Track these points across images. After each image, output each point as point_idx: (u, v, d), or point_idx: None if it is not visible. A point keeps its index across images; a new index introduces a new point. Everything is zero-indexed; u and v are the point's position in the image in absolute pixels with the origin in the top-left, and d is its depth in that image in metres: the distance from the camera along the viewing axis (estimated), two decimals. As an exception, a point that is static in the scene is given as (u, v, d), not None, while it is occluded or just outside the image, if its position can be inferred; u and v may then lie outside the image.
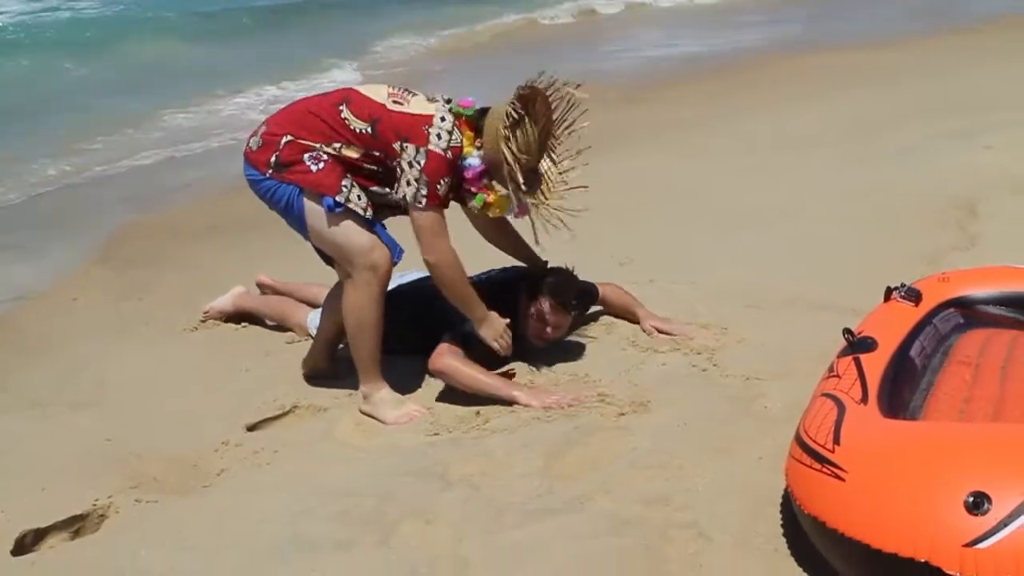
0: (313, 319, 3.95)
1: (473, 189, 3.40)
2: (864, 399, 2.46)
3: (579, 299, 3.75)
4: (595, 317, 4.04)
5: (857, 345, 2.72)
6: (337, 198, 3.29)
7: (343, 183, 3.31)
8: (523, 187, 3.35)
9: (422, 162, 3.27)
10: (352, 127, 3.33)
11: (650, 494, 2.73)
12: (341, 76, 10.93)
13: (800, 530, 2.38)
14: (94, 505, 2.86)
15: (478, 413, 3.32)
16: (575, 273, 3.76)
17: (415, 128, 3.29)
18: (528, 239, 3.64)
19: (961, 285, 3.22)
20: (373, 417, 3.41)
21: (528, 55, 11.91)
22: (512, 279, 3.75)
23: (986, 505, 1.98)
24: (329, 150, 3.32)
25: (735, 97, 9.04)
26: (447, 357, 3.45)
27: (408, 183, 3.28)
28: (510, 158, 3.29)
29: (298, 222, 3.39)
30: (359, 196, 3.34)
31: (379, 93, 3.39)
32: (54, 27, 14.85)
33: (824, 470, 2.25)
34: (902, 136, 7.00)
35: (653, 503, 2.69)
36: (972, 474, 2.05)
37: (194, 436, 3.34)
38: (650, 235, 5.24)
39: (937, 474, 2.10)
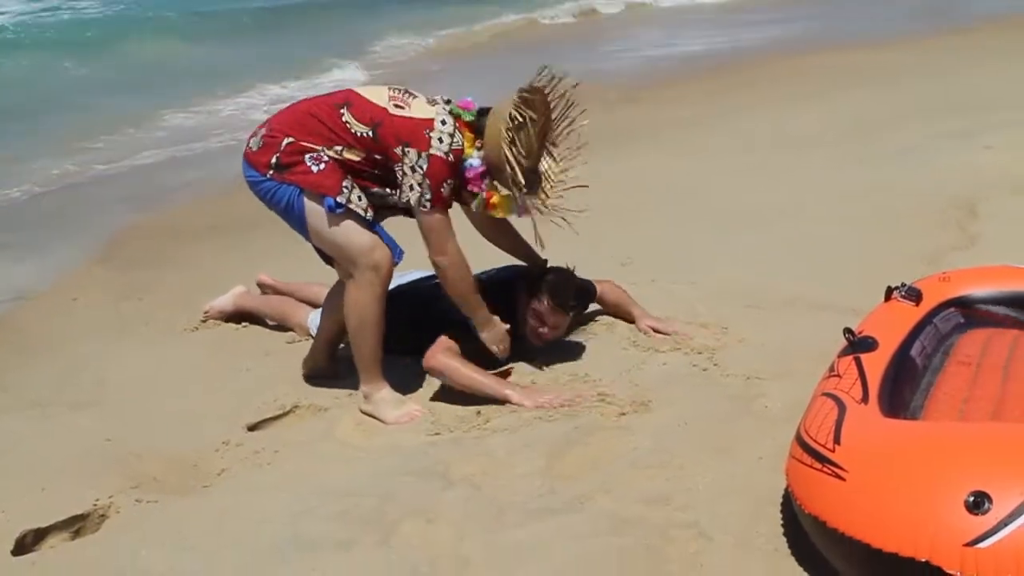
0: (314, 319, 3.95)
1: (475, 190, 3.40)
2: (865, 399, 2.46)
3: (578, 299, 3.75)
4: (596, 317, 4.04)
5: (858, 345, 2.73)
6: (338, 199, 3.29)
7: (344, 184, 3.31)
8: (524, 188, 3.36)
9: (424, 166, 3.27)
10: (353, 131, 3.33)
11: (651, 494, 2.74)
12: (342, 76, 10.94)
13: (801, 530, 2.38)
14: (94, 505, 2.86)
15: (479, 413, 3.32)
16: (575, 272, 3.76)
17: (416, 132, 3.29)
18: (529, 239, 3.64)
19: (962, 285, 3.22)
20: (374, 417, 3.41)
21: (528, 55, 11.88)
22: (512, 278, 3.75)
23: (987, 505, 1.98)
24: (331, 153, 3.32)
25: (735, 96, 9.04)
26: (442, 355, 3.46)
27: (412, 187, 3.28)
28: (512, 160, 3.30)
29: (298, 223, 3.39)
30: (359, 197, 3.34)
31: (380, 96, 3.39)
32: (55, 27, 14.87)
33: (825, 470, 2.25)
34: (902, 136, 7.00)
35: (654, 503, 2.69)
36: (972, 474, 2.05)
37: (194, 436, 3.34)
38: (650, 235, 5.24)
39: (938, 474, 2.10)
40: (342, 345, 3.74)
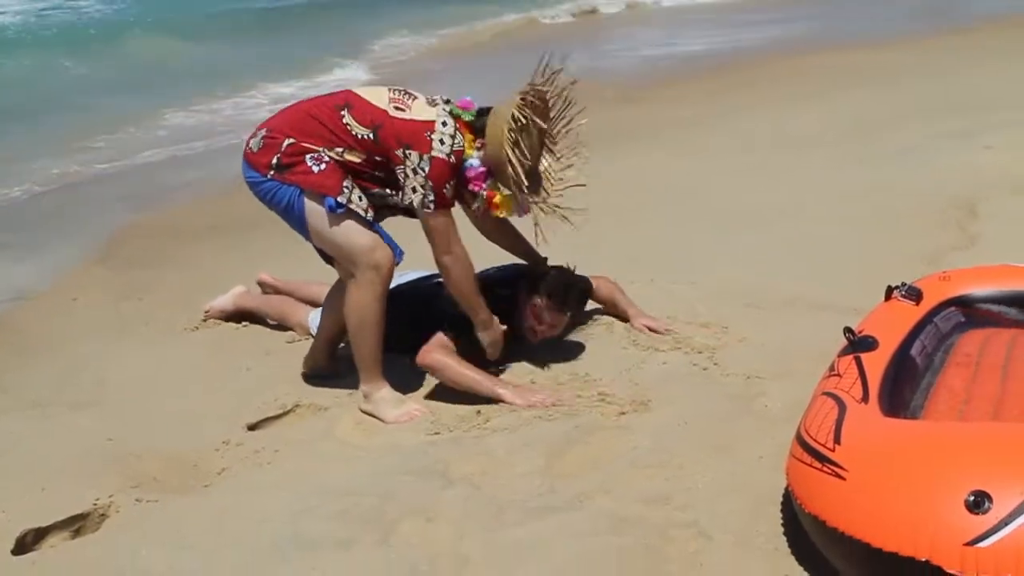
0: (314, 318, 3.95)
1: (476, 189, 3.41)
2: (865, 398, 2.46)
3: (576, 299, 3.75)
4: (596, 317, 4.04)
5: (858, 344, 2.73)
6: (339, 199, 3.29)
7: (344, 184, 3.32)
8: (526, 188, 3.36)
9: (427, 168, 3.27)
10: (354, 133, 3.33)
11: (651, 493, 2.74)
12: (344, 75, 10.95)
13: (801, 529, 2.38)
14: (94, 505, 2.86)
15: (479, 412, 3.32)
16: (574, 271, 3.77)
17: (418, 135, 3.29)
18: (530, 238, 3.65)
19: (962, 284, 3.23)
20: (374, 416, 3.41)
21: (528, 54, 11.84)
22: (512, 276, 3.76)
23: (987, 504, 1.98)
24: (331, 154, 3.32)
25: (735, 96, 9.05)
26: (436, 351, 3.47)
27: (414, 189, 3.29)
28: (515, 161, 3.30)
29: (299, 223, 3.39)
30: (360, 197, 3.34)
31: (380, 98, 3.39)
32: (55, 26, 14.87)
33: (825, 469, 2.25)
34: (902, 136, 7.00)
35: (654, 502, 2.69)
36: (973, 473, 2.05)
37: (194, 435, 3.34)
38: (650, 235, 5.24)
39: (938, 473, 2.10)
40: (342, 344, 3.74)
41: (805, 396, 2.67)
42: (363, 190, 3.36)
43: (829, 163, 6.50)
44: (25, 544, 2.70)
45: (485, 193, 3.40)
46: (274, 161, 3.33)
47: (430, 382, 3.57)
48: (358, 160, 3.34)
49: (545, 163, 3.51)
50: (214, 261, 5.28)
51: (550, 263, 3.77)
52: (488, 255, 3.83)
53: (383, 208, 3.43)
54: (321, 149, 3.32)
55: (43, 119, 8.73)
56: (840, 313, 3.51)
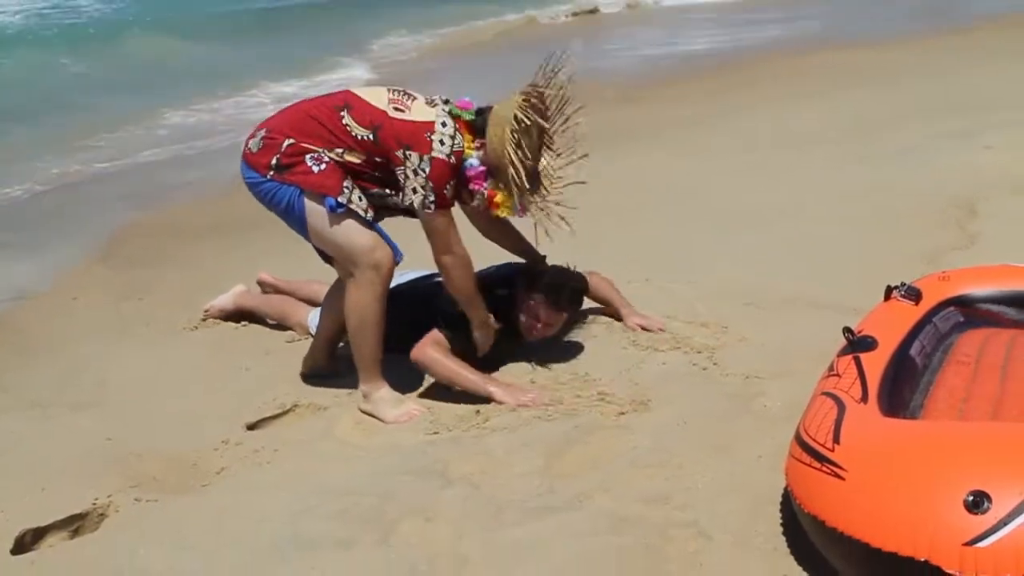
0: (313, 318, 3.95)
1: (476, 189, 3.41)
2: (864, 398, 2.46)
3: (573, 299, 3.75)
4: (595, 317, 4.04)
5: (857, 344, 2.73)
6: (339, 199, 3.29)
7: (344, 184, 3.32)
8: (527, 188, 3.36)
9: (427, 169, 3.27)
10: (354, 134, 3.33)
11: (650, 493, 2.74)
12: (346, 74, 10.96)
13: (800, 529, 2.38)
14: (93, 504, 2.86)
15: (478, 412, 3.32)
16: (572, 269, 3.77)
17: (417, 136, 3.29)
18: (530, 238, 3.65)
19: (961, 284, 3.23)
20: (373, 416, 3.41)
21: (528, 54, 11.87)
22: (511, 275, 3.77)
23: (986, 504, 1.98)
24: (331, 155, 3.32)
25: (735, 96, 9.05)
26: (430, 348, 3.49)
27: (415, 190, 3.29)
28: (517, 163, 3.30)
29: (299, 223, 3.39)
30: (360, 197, 3.34)
31: (379, 98, 3.39)
32: (55, 26, 14.87)
33: (824, 469, 2.25)
34: (902, 136, 7.00)
35: (653, 502, 2.69)
36: (972, 473, 2.05)
37: (194, 435, 3.34)
38: (650, 234, 5.24)
39: (937, 473, 2.10)
40: (341, 344, 3.74)
41: (804, 396, 2.67)
42: (363, 190, 3.36)
43: (829, 163, 6.50)
44: (24, 544, 2.71)
45: (486, 192, 3.40)
46: (274, 161, 3.33)
47: (429, 382, 3.57)
48: (358, 161, 3.34)
49: (544, 161, 3.51)
50: (214, 261, 5.28)
51: (549, 262, 3.77)
52: (487, 254, 3.83)
53: (382, 208, 3.43)
54: (321, 150, 3.32)
55: (43, 118, 8.73)
56: (840, 313, 3.51)
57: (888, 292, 3.10)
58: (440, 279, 3.51)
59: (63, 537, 2.77)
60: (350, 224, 3.33)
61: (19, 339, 4.39)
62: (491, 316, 3.54)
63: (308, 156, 3.31)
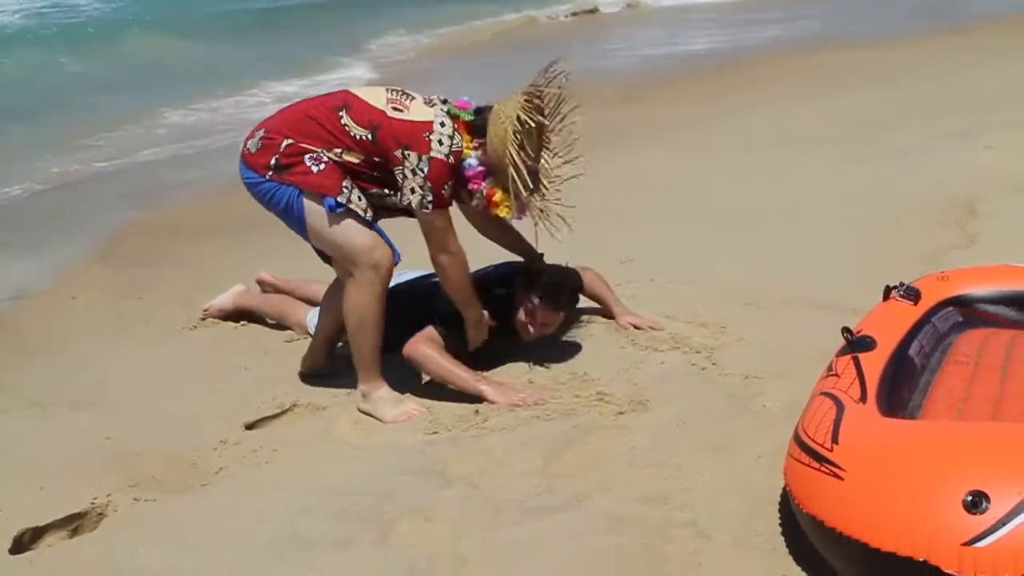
0: (312, 318, 3.95)
1: (475, 188, 3.41)
2: (863, 398, 2.46)
3: (570, 298, 3.75)
4: (594, 317, 4.04)
5: (856, 344, 2.72)
6: (338, 199, 3.29)
7: (344, 184, 3.31)
8: (530, 188, 3.36)
9: (425, 169, 3.27)
10: (352, 133, 3.33)
11: (649, 493, 2.73)
12: (347, 74, 10.96)
13: (799, 529, 2.38)
14: (92, 504, 2.86)
15: (477, 412, 3.32)
16: (570, 266, 3.77)
17: (416, 135, 3.29)
18: (530, 238, 3.65)
19: (960, 284, 3.23)
20: (372, 416, 3.41)
21: (528, 53, 11.89)
22: (508, 274, 3.77)
23: (984, 504, 1.98)
24: (330, 155, 3.32)
25: (735, 95, 9.05)
26: (422, 344, 3.50)
27: (413, 190, 3.29)
28: (520, 164, 3.30)
29: (298, 223, 3.39)
30: (359, 197, 3.34)
31: (378, 98, 3.39)
32: (54, 25, 14.86)
33: (823, 469, 2.25)
34: (902, 135, 7.00)
35: (652, 502, 2.69)
36: (971, 473, 2.05)
37: (193, 435, 3.34)
38: (650, 234, 5.24)
39: (936, 473, 2.10)
40: (340, 344, 3.74)
41: (803, 396, 2.67)
42: (362, 190, 3.36)
43: (829, 163, 6.50)
44: (23, 543, 2.70)
45: (485, 191, 3.40)
46: (272, 162, 3.32)
47: (428, 381, 3.57)
48: (356, 161, 3.34)
49: (542, 161, 3.51)
50: (214, 260, 5.28)
51: (547, 260, 3.77)
52: (486, 253, 3.83)
53: (381, 208, 3.43)
54: (320, 150, 3.32)
55: (43, 118, 8.73)
56: (839, 313, 3.51)
57: (887, 292, 3.10)
58: (439, 279, 3.51)
59: (62, 537, 2.77)
60: (349, 224, 3.32)
61: (18, 338, 4.39)
62: (486, 315, 3.56)
63: (307, 156, 3.31)
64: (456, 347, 3.55)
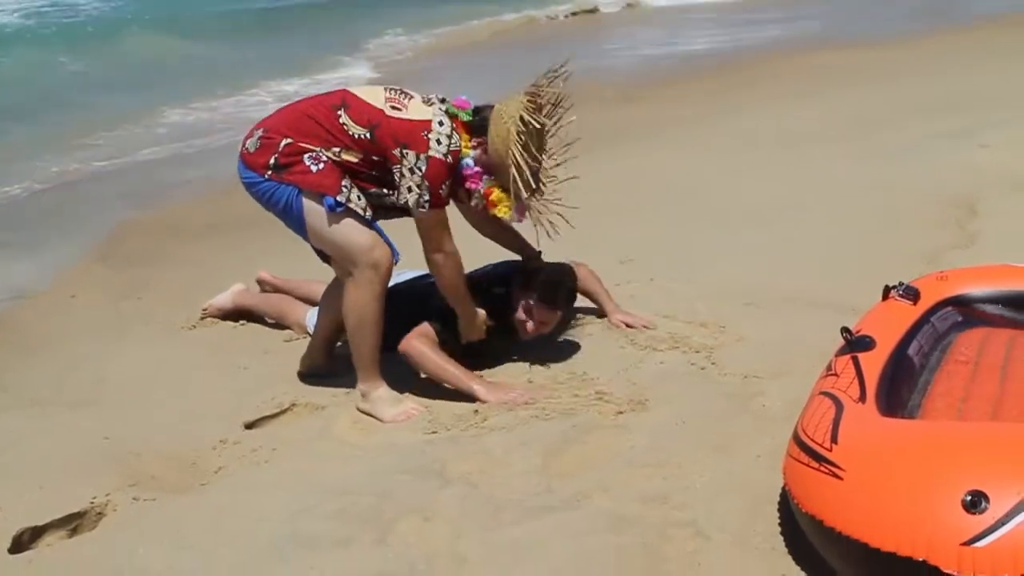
0: (311, 317, 3.95)
1: (473, 187, 3.41)
2: (862, 398, 2.46)
3: (566, 297, 3.75)
4: (593, 316, 4.04)
5: (855, 344, 2.72)
6: (338, 198, 3.29)
7: (343, 183, 3.31)
8: (531, 188, 3.36)
9: (423, 168, 3.27)
10: (351, 132, 3.33)
11: (648, 492, 2.73)
12: (346, 73, 10.95)
13: (798, 529, 2.38)
14: (92, 503, 2.85)
15: (476, 411, 3.32)
16: (569, 263, 3.77)
17: (414, 134, 3.29)
18: (531, 238, 3.65)
19: (959, 284, 3.22)
20: (371, 415, 3.41)
21: (527, 53, 11.92)
22: (507, 273, 3.78)
23: (984, 504, 1.98)
24: (329, 154, 3.32)
25: (735, 95, 9.05)
26: (417, 340, 3.51)
27: (410, 189, 3.29)
28: (522, 164, 3.30)
29: (297, 223, 3.39)
30: (359, 196, 3.34)
31: (376, 97, 3.39)
32: (53, 24, 14.86)
33: (822, 469, 2.25)
34: (902, 135, 7.01)
35: (651, 501, 2.69)
36: (970, 473, 2.05)
37: (192, 434, 3.34)
38: (650, 234, 5.24)
39: (935, 473, 2.10)
40: (340, 343, 3.74)
41: (803, 395, 2.67)
42: (360, 190, 3.36)
43: (829, 162, 6.50)
44: (22, 543, 2.70)
45: (483, 191, 3.40)
46: (271, 161, 3.32)
47: (427, 381, 3.57)
48: (355, 160, 3.34)
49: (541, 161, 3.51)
50: (213, 259, 5.28)
51: (545, 258, 3.77)
52: (483, 252, 3.83)
53: (380, 208, 3.42)
54: (318, 149, 3.32)
55: (42, 117, 8.74)
56: (839, 312, 3.52)
57: (886, 292, 3.10)
58: (436, 278, 3.52)
59: (61, 536, 2.76)
60: (349, 223, 3.32)
61: (18, 338, 4.39)
62: (482, 314, 3.57)
63: (306, 155, 3.31)
64: (453, 346, 3.55)
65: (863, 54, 10.80)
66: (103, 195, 6.73)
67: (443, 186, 3.31)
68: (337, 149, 3.32)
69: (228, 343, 4.18)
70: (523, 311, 3.65)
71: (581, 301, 3.96)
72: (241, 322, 4.34)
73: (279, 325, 4.25)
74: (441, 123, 3.32)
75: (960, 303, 3.19)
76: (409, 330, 3.55)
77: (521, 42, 13.65)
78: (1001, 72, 9.01)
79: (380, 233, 3.38)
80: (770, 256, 4.73)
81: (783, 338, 3.72)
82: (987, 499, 1.98)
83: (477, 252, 3.82)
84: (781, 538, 2.49)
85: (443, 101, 3.41)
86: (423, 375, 3.53)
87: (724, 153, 6.99)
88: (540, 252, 3.75)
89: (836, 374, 2.61)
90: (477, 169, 3.38)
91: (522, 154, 3.30)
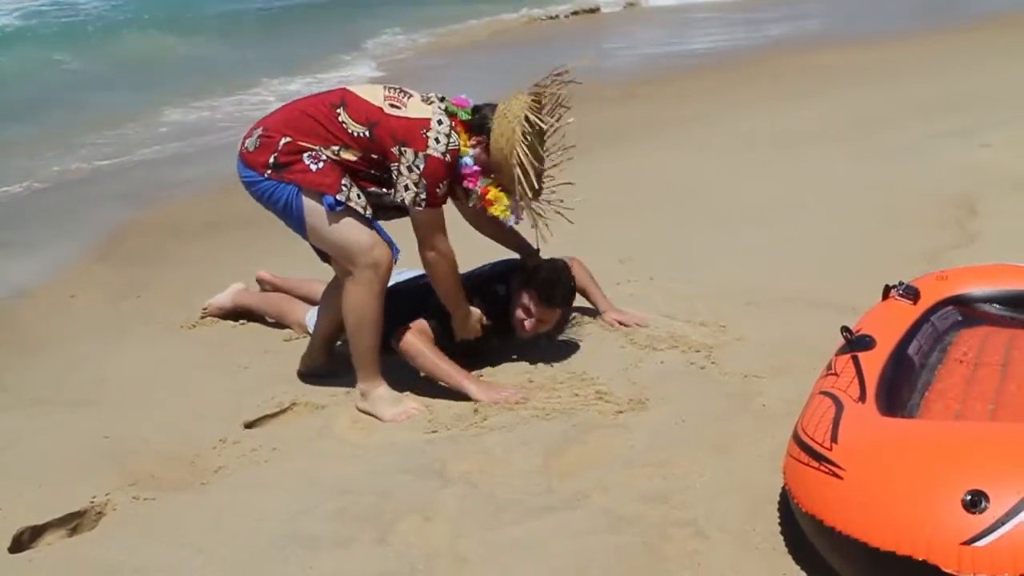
0: (311, 316, 3.95)
1: (470, 186, 3.41)
2: (862, 397, 2.46)
3: (565, 295, 3.75)
4: (592, 315, 4.04)
5: (855, 343, 2.72)
6: (338, 196, 3.29)
7: (343, 182, 3.31)
8: (534, 189, 3.36)
9: (421, 166, 3.27)
10: (350, 131, 3.33)
11: (648, 492, 2.73)
12: (347, 73, 10.94)
13: (798, 528, 2.38)
14: (92, 502, 2.86)
15: (476, 411, 3.32)
16: (563, 260, 3.77)
17: (413, 132, 3.29)
18: (530, 239, 3.65)
19: (959, 283, 3.22)
20: (371, 414, 3.41)
21: (527, 52, 11.92)
22: (506, 272, 3.78)
23: (984, 503, 1.98)
24: (328, 153, 3.32)
25: (736, 94, 9.04)
26: (412, 336, 3.51)
27: (407, 187, 3.28)
28: (527, 164, 3.30)
29: (297, 222, 3.39)
30: (358, 195, 3.34)
31: (375, 95, 3.39)
32: (53, 23, 14.86)
33: (822, 468, 2.25)
34: (902, 134, 7.00)
35: (651, 501, 2.69)
36: (970, 472, 2.05)
37: (192, 433, 3.34)
38: (650, 233, 5.24)
39: (935, 472, 2.10)
40: (340, 343, 3.74)
41: (803, 395, 2.67)
42: (360, 189, 3.36)
43: (829, 161, 6.50)
44: (22, 542, 2.70)
45: (479, 190, 3.41)
46: (271, 160, 3.32)
47: (427, 380, 3.57)
48: (354, 158, 3.34)
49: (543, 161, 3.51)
50: (213, 259, 5.28)
51: (544, 256, 3.77)
52: (484, 252, 3.83)
53: (379, 208, 3.42)
54: (318, 147, 3.32)
55: (43, 116, 8.73)
56: (839, 311, 3.52)
57: (886, 291, 3.10)
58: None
59: (61, 535, 2.77)
60: (349, 222, 3.32)
61: (17, 337, 4.39)
62: (477, 313, 3.57)
63: (306, 154, 3.31)
64: (449, 344, 3.55)
65: (863, 54, 10.79)
66: (103, 194, 6.72)
67: (440, 185, 3.31)
68: (336, 148, 3.32)
69: (228, 343, 4.18)
70: (522, 310, 3.65)
71: (579, 301, 3.96)
72: (241, 321, 4.34)
73: (279, 324, 4.25)
74: (440, 122, 3.32)
75: (960, 302, 3.18)
76: (408, 329, 3.55)
77: (521, 42, 13.64)
78: (1001, 72, 9.00)
79: (380, 231, 3.38)
80: (770, 256, 4.73)
81: (783, 338, 3.72)
82: (987, 498, 1.98)
83: (476, 251, 3.81)
84: (781, 538, 2.49)
85: (442, 100, 3.41)
86: (417, 369, 3.53)
87: (724, 153, 6.98)
88: (538, 250, 3.75)
89: (836, 373, 2.61)
90: (476, 168, 3.38)
91: (527, 154, 3.30)
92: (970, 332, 3.08)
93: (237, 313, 4.36)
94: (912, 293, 3.07)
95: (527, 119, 3.30)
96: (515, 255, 3.84)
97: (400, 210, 3.41)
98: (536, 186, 3.37)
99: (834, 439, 2.29)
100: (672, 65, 11.05)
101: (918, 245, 4.68)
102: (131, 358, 4.07)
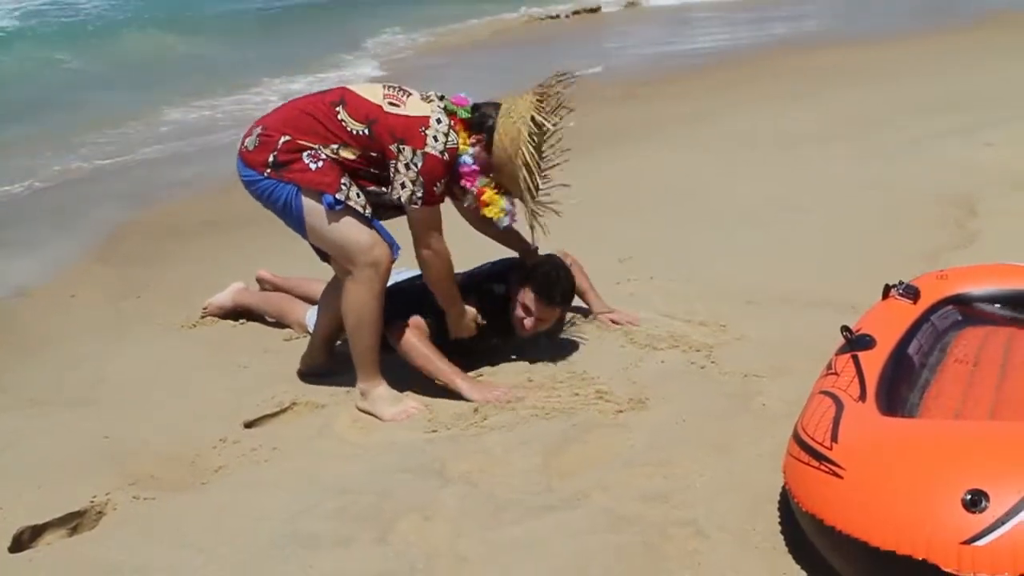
0: (311, 316, 3.95)
1: (468, 186, 3.41)
2: (862, 397, 2.46)
3: (564, 293, 3.75)
4: (592, 315, 4.03)
5: (855, 343, 2.72)
6: (337, 195, 3.29)
7: (342, 181, 3.31)
8: (538, 189, 3.36)
9: (419, 164, 3.27)
10: (349, 129, 3.33)
11: (648, 491, 2.73)
12: (348, 72, 10.94)
13: (798, 528, 2.38)
14: (92, 502, 2.86)
15: (476, 410, 3.32)
16: (564, 257, 3.78)
17: (411, 130, 3.29)
18: (529, 238, 3.65)
19: (959, 283, 3.23)
20: (371, 414, 3.41)
21: (527, 52, 11.93)
22: (505, 271, 3.78)
23: (984, 503, 1.98)
24: (327, 151, 3.32)
25: (735, 93, 9.04)
26: (407, 333, 3.51)
27: (404, 185, 3.28)
28: (532, 164, 3.30)
29: (296, 221, 3.38)
30: (358, 194, 3.34)
31: (374, 94, 3.39)
32: (53, 23, 14.86)
33: (822, 468, 2.25)
34: (902, 134, 7.01)
35: (651, 500, 2.69)
36: (970, 472, 2.05)
37: (192, 433, 3.34)
38: (649, 233, 5.24)
39: (935, 472, 2.10)
40: (340, 342, 3.74)
41: (803, 394, 2.67)
42: (359, 188, 3.36)
43: (829, 161, 6.50)
44: (22, 542, 2.70)
45: (475, 191, 3.41)
46: (271, 159, 3.32)
47: (427, 380, 3.57)
48: (353, 157, 3.34)
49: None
50: (213, 258, 5.28)
51: (541, 253, 3.77)
52: (483, 251, 3.83)
53: (379, 207, 3.42)
54: (317, 146, 3.32)
55: (43, 116, 8.73)
56: (839, 311, 3.52)
57: (886, 291, 3.10)
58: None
59: (61, 535, 2.77)
60: (348, 221, 3.32)
61: (17, 337, 4.38)
62: (470, 312, 3.57)
63: (305, 153, 3.31)
64: (445, 343, 3.56)
65: (863, 54, 10.79)
66: (104, 194, 6.71)
67: (438, 183, 3.31)
68: (335, 146, 3.32)
69: (228, 342, 4.18)
70: (522, 308, 3.65)
71: (577, 301, 3.96)
72: (241, 321, 4.34)
73: (279, 324, 4.25)
74: (439, 120, 3.32)
75: (960, 302, 3.19)
76: (408, 328, 3.55)
77: (522, 41, 13.64)
78: (1001, 72, 9.01)
79: (379, 230, 3.38)
80: (770, 255, 4.73)
81: (783, 337, 3.72)
82: (987, 498, 1.98)
83: (476, 251, 3.81)
84: (781, 537, 2.49)
85: (442, 98, 3.41)
86: (411, 365, 3.53)
87: (724, 153, 6.98)
88: (536, 248, 3.75)
89: (836, 373, 2.61)
90: (475, 167, 3.38)
91: (532, 155, 3.30)
92: (970, 331, 3.08)
93: (237, 312, 4.36)
94: (912, 292, 3.07)
95: (533, 119, 3.30)
96: (514, 254, 3.83)
97: (400, 209, 3.41)
98: (540, 186, 3.38)
99: (834, 438, 2.29)
100: (672, 65, 11.05)
101: (918, 245, 4.68)
102: (131, 358, 4.07)
